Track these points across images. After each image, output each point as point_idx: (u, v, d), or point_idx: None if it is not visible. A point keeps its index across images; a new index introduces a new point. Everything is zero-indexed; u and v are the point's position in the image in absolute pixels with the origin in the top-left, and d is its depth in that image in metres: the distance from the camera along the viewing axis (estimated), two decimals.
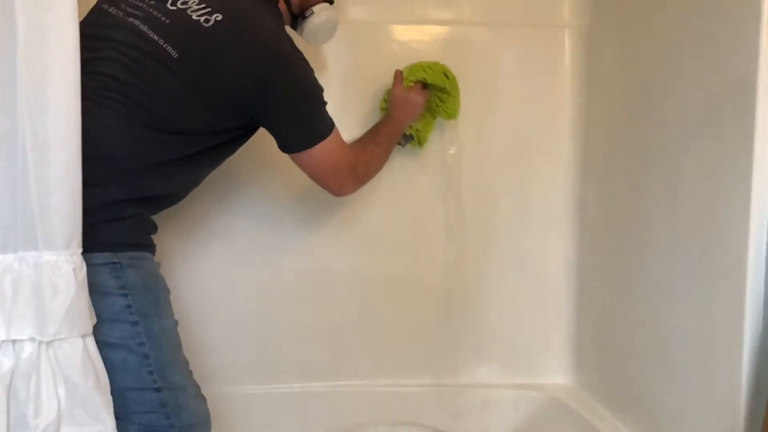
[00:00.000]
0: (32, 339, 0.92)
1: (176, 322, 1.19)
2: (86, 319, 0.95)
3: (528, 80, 1.68)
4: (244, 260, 1.63)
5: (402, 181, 1.67)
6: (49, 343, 0.92)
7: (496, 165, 1.68)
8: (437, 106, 1.60)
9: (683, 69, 1.24)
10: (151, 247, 1.18)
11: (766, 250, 1.05)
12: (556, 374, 1.71)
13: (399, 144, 1.60)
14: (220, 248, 1.61)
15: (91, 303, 0.98)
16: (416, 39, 1.66)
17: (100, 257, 1.02)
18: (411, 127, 1.60)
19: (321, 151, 1.26)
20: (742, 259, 1.05)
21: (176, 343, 1.17)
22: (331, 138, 1.26)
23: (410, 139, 1.63)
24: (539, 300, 1.71)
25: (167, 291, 1.19)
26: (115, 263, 1.06)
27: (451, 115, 1.61)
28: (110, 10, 1.18)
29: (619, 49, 1.51)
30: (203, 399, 1.20)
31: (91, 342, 0.96)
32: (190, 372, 1.20)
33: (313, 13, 1.38)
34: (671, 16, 1.28)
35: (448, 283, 1.69)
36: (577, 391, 1.66)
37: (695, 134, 1.19)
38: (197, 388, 1.20)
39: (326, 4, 1.41)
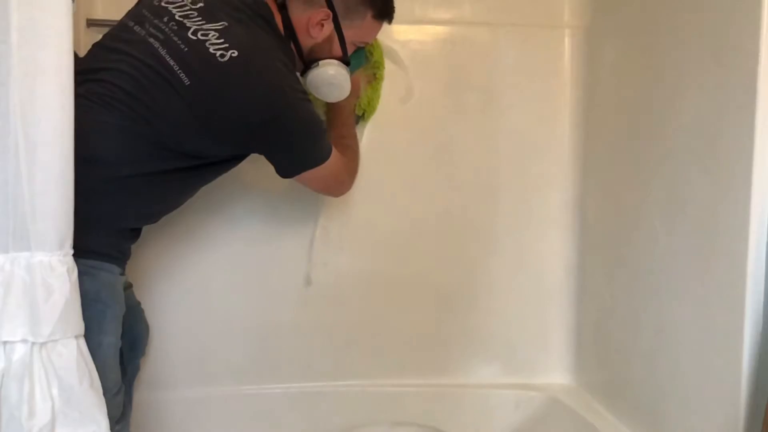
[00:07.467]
0: (24, 341, 0.91)
1: (118, 343, 1.16)
2: (79, 320, 0.95)
3: (528, 80, 1.67)
4: (243, 260, 1.63)
5: (402, 181, 1.67)
6: (42, 344, 0.91)
7: (496, 165, 1.68)
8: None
9: (683, 69, 1.23)
10: (118, 260, 1.17)
11: (766, 250, 1.05)
12: (556, 374, 1.71)
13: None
14: (219, 248, 1.61)
15: (80, 305, 0.97)
16: (416, 39, 1.66)
17: None
18: (358, 106, 1.57)
19: (321, 169, 1.29)
20: (742, 259, 1.05)
21: (109, 363, 1.14)
22: (330, 158, 1.30)
23: (360, 119, 1.60)
24: (539, 300, 1.71)
25: (121, 308, 1.17)
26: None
27: (367, 106, 1.57)
28: (135, 27, 1.20)
29: (619, 49, 1.50)
30: (124, 425, 1.20)
31: (83, 343, 0.96)
32: (116, 393, 1.16)
33: (318, 66, 1.33)
34: (671, 16, 1.28)
35: (448, 283, 1.69)
36: (577, 391, 1.65)
37: (695, 134, 1.19)
38: (118, 409, 1.18)
39: (335, 61, 1.34)
